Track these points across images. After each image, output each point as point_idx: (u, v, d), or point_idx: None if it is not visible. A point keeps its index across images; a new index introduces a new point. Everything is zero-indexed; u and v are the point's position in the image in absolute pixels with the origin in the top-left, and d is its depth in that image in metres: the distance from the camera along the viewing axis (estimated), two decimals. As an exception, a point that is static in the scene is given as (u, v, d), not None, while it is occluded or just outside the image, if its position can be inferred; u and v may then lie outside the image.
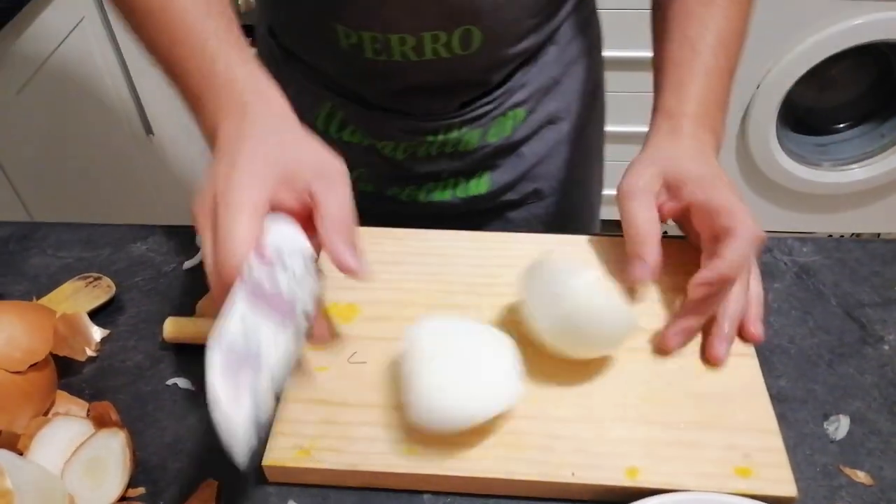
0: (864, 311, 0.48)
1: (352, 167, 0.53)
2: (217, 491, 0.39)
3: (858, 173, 1.34)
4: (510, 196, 0.62)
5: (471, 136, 0.57)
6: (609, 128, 1.34)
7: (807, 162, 1.35)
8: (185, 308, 0.49)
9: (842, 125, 1.39)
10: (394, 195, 0.61)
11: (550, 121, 0.60)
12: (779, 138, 1.29)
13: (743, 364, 0.43)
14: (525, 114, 0.58)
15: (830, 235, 1.55)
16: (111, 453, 0.40)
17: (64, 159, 1.01)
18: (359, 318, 0.46)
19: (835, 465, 0.40)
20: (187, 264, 0.53)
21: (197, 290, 0.50)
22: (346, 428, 0.40)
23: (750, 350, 0.44)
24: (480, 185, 0.61)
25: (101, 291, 0.50)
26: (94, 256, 0.54)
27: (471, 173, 0.60)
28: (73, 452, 0.39)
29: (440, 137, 0.57)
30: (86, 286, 0.50)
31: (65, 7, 0.97)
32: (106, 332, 0.48)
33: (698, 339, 0.45)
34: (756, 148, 1.30)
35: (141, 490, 0.40)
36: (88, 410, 0.43)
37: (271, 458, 0.39)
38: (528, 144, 0.60)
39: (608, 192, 1.55)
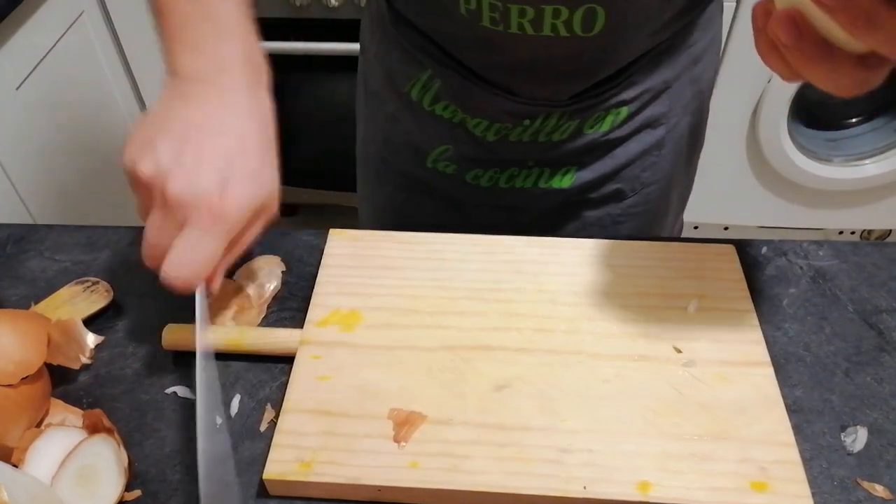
0: (882, 318, 0.47)
1: (437, 143, 0.51)
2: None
3: (871, 169, 1.32)
4: (592, 195, 0.60)
5: (567, 126, 0.55)
6: None
7: (818, 157, 1.33)
8: (185, 314, 0.48)
9: (854, 120, 1.36)
10: (474, 179, 0.59)
11: (650, 124, 0.57)
12: (790, 133, 1.27)
13: (758, 373, 0.42)
14: (627, 113, 0.55)
15: (841, 232, 1.53)
16: (102, 460, 0.39)
17: (64, 155, 1.00)
18: (361, 326, 0.45)
19: (852, 479, 0.39)
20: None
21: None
22: (349, 440, 0.39)
23: (765, 358, 0.43)
24: (564, 180, 0.58)
25: (98, 296, 0.49)
26: (93, 259, 0.53)
27: (557, 166, 0.58)
28: (61, 464, 0.38)
29: (536, 123, 0.54)
30: (83, 291, 0.49)
31: (64, 1, 0.96)
32: (101, 338, 0.47)
33: (712, 346, 0.43)
34: (766, 143, 1.29)
35: (138, 493, 0.39)
36: (83, 418, 0.42)
37: (271, 471, 0.38)
38: (623, 146, 0.57)
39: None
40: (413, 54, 0.55)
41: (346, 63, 1.09)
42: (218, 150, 0.38)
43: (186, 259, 0.37)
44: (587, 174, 0.58)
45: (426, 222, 0.60)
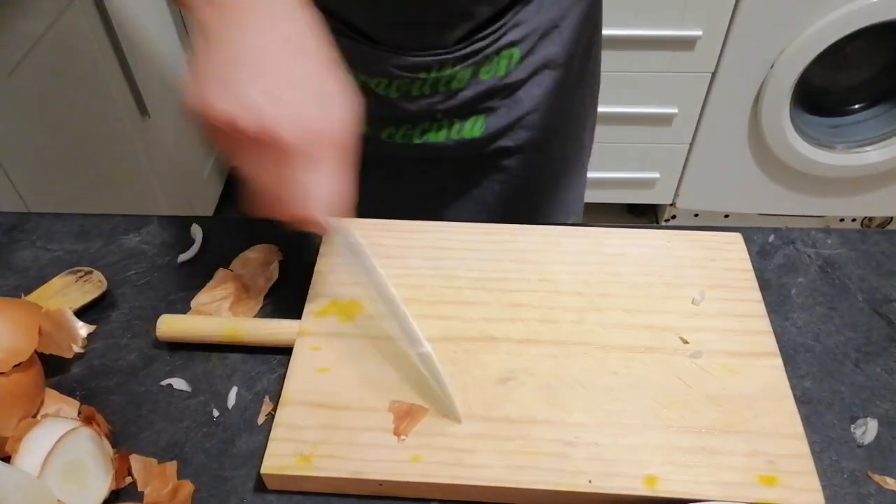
0: (892, 307, 0.46)
1: None
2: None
3: (873, 155, 1.31)
4: (505, 142, 0.61)
5: (463, 73, 0.56)
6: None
7: (820, 144, 1.32)
8: (180, 304, 0.47)
9: (856, 106, 1.35)
10: (389, 137, 0.60)
11: (546, 65, 0.58)
12: (792, 120, 1.26)
13: (766, 364, 0.41)
14: (520, 55, 0.56)
15: (842, 219, 1.53)
16: (87, 454, 0.38)
17: (58, 143, 0.99)
18: (361, 316, 0.44)
19: (862, 472, 0.38)
20: (182, 257, 0.51)
21: (192, 285, 0.48)
22: (349, 433, 0.38)
23: (774, 349, 0.42)
24: (475, 129, 0.59)
25: (92, 286, 0.48)
26: (85, 249, 0.52)
27: (465, 115, 0.59)
28: (44, 461, 0.37)
29: (433, 74, 0.55)
30: (76, 281, 0.48)
31: (55, -15, 0.94)
32: (92, 327, 0.45)
33: (719, 337, 0.42)
34: (769, 130, 1.27)
35: (129, 479, 0.38)
36: (79, 411, 0.42)
37: (269, 465, 0.37)
38: (524, 88, 0.58)
39: (598, 174, 1.51)
40: None
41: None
42: (299, 74, 0.35)
43: (334, 197, 0.36)
44: (496, 121, 0.59)
45: (360, 184, 0.62)
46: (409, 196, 0.64)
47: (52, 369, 0.43)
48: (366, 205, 0.63)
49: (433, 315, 0.44)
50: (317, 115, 0.35)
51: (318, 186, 0.36)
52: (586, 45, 0.61)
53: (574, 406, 0.39)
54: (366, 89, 0.57)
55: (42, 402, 0.42)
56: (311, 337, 0.43)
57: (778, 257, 0.50)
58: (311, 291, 0.45)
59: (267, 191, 0.37)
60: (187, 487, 0.37)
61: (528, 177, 0.63)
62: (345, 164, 0.36)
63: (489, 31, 0.54)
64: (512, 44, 0.55)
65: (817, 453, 0.39)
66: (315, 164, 0.35)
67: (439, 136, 0.59)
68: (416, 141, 0.59)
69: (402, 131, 0.59)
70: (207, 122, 0.35)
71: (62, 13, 0.98)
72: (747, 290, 0.45)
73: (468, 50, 0.54)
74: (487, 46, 0.55)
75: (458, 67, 0.55)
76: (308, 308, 0.44)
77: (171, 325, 0.44)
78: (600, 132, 1.43)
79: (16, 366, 0.39)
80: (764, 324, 0.43)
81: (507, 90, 0.57)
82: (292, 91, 0.35)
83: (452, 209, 0.64)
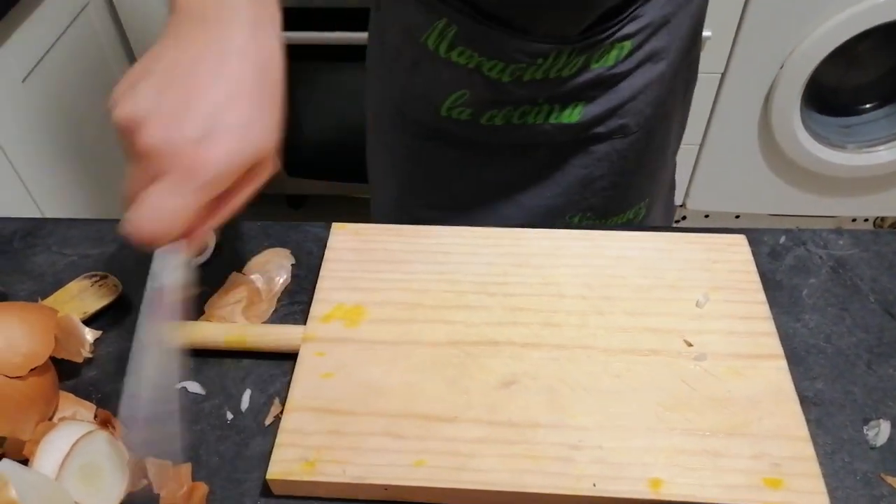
0: (903, 308, 0.46)
1: (453, 90, 0.55)
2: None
3: (884, 155, 1.30)
4: (599, 129, 0.61)
5: (576, 61, 0.56)
6: None
7: (831, 144, 1.31)
8: (194, 308, 0.48)
9: (867, 106, 1.34)
10: (489, 120, 0.60)
11: (651, 58, 0.59)
12: (802, 119, 1.25)
13: (771, 366, 0.41)
14: (631, 47, 0.57)
15: (854, 219, 1.51)
16: (103, 457, 0.39)
17: (71, 148, 1.00)
18: (365, 321, 0.44)
19: (875, 474, 0.38)
20: (196, 261, 0.51)
21: (206, 289, 0.49)
22: (353, 438, 0.38)
23: (778, 351, 0.42)
24: (573, 115, 0.59)
25: (107, 291, 0.49)
26: (101, 253, 0.52)
27: (566, 101, 0.59)
28: (61, 464, 0.38)
29: (549, 61, 0.56)
30: (92, 285, 0.49)
31: (69, -7, 0.95)
32: (98, 333, 0.46)
33: (723, 339, 0.43)
34: (779, 129, 1.27)
35: (145, 482, 0.39)
36: (95, 414, 0.42)
37: (275, 471, 0.37)
38: (628, 80, 0.59)
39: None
40: (428, 3, 0.56)
41: (354, 53, 1.08)
42: (204, 96, 0.34)
43: (150, 213, 0.34)
44: (594, 108, 0.59)
45: (443, 169, 0.62)
46: (498, 179, 0.63)
47: (68, 373, 0.44)
48: (457, 186, 0.64)
49: (437, 319, 0.44)
50: (189, 138, 0.33)
51: (149, 202, 0.34)
52: (690, 40, 0.62)
53: (577, 409, 0.39)
54: (478, 72, 0.57)
55: (57, 406, 0.42)
56: (315, 342, 0.43)
57: (789, 258, 0.49)
58: (315, 297, 0.46)
59: (123, 193, 0.36)
60: (202, 489, 0.38)
61: (614, 161, 0.63)
62: (191, 195, 0.34)
63: (612, 21, 0.55)
64: (627, 36, 0.56)
65: (829, 455, 0.39)
66: (159, 181, 0.34)
67: (537, 120, 0.60)
68: (515, 122, 0.60)
69: (503, 114, 0.59)
70: (113, 120, 0.35)
71: (75, 19, 1.00)
72: (751, 291, 0.45)
73: (587, 41, 0.55)
74: (605, 38, 0.55)
75: (573, 56, 0.56)
76: (313, 314, 0.45)
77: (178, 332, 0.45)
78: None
79: (32, 370, 0.40)
80: (768, 326, 0.43)
81: (611, 80, 0.58)
82: (184, 108, 0.34)
83: (534, 193, 0.64)
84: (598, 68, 0.57)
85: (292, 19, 1.15)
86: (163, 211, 0.34)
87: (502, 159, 0.62)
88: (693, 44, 0.63)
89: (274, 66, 0.37)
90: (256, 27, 0.36)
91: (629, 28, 0.56)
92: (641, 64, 0.58)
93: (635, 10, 0.55)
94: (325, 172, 1.41)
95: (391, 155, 0.68)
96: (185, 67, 0.35)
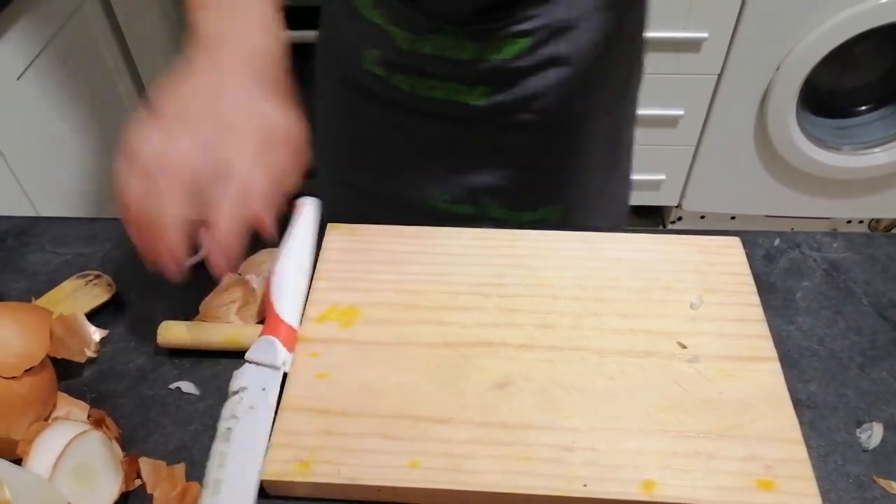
0: (896, 311, 0.46)
1: (370, 46, 0.60)
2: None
3: (880, 157, 1.31)
4: (504, 120, 0.62)
5: (468, 47, 0.58)
6: None
7: (827, 146, 1.31)
8: (188, 308, 0.48)
9: (863, 108, 1.35)
10: (397, 83, 0.62)
11: (553, 62, 0.59)
12: (798, 121, 1.26)
13: (764, 369, 0.41)
14: (529, 45, 0.58)
15: (849, 221, 1.52)
16: (97, 457, 0.39)
17: (66, 146, 1.00)
18: (359, 322, 0.44)
19: (868, 476, 0.38)
20: (190, 261, 0.51)
21: (200, 288, 0.49)
22: (347, 439, 0.38)
23: (772, 353, 0.42)
24: (478, 98, 0.60)
25: (101, 290, 0.48)
26: (94, 252, 0.52)
27: (470, 84, 0.60)
28: (54, 464, 0.38)
29: (438, 39, 0.58)
30: (85, 285, 0.49)
31: (65, -10, 0.95)
32: (105, 332, 0.46)
33: (717, 341, 0.43)
34: (775, 131, 1.27)
35: (139, 482, 0.39)
36: (89, 414, 0.42)
37: (269, 471, 0.37)
38: (532, 78, 0.60)
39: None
40: None
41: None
42: (228, 116, 0.40)
43: (227, 242, 0.40)
44: (501, 97, 0.60)
45: (367, 124, 0.66)
46: (417, 145, 0.65)
47: (63, 373, 0.44)
48: (379, 145, 0.66)
49: (431, 321, 0.44)
50: (243, 164, 0.39)
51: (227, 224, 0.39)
52: (614, 52, 0.62)
53: (571, 411, 0.39)
54: (386, 34, 0.59)
55: (54, 406, 0.42)
56: (310, 343, 0.43)
57: (783, 261, 0.50)
58: (310, 298, 0.46)
59: (152, 227, 0.40)
60: (195, 489, 0.38)
61: (519, 155, 0.64)
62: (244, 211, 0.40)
63: (501, 14, 0.56)
64: (522, 33, 0.57)
65: (822, 457, 0.39)
66: (222, 203, 0.39)
67: (441, 95, 0.61)
68: (421, 93, 0.61)
69: (409, 81, 0.61)
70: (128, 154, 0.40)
71: (70, 17, 0.99)
72: (745, 294, 0.45)
73: (476, 28, 0.56)
74: (497, 30, 0.56)
75: (462, 40, 0.57)
76: (307, 314, 0.45)
77: (171, 332, 0.45)
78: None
79: (27, 370, 0.40)
80: (761, 328, 0.43)
81: (514, 74, 0.59)
82: (222, 138, 0.39)
83: (447, 166, 0.65)
84: (496, 59, 0.58)
85: (308, 18, 1.14)
86: (234, 238, 0.40)
87: (419, 126, 0.64)
88: (617, 54, 0.62)
89: (281, 73, 0.43)
90: (272, 46, 0.43)
91: (524, 25, 0.56)
92: (545, 65, 0.59)
93: (530, 9, 0.56)
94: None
95: (326, 106, 0.71)
96: (209, 97, 0.40)
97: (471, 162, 0.64)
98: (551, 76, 0.59)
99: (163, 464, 0.39)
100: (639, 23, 0.64)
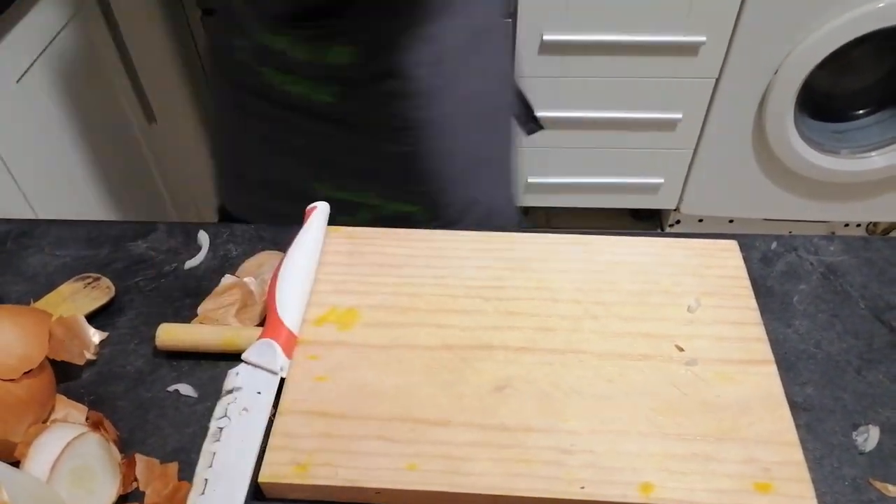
0: (894, 314, 0.46)
1: (240, 33, 0.62)
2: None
3: (878, 161, 1.31)
4: (358, 120, 0.64)
5: (303, 48, 0.59)
6: (569, 113, 1.30)
7: (825, 149, 1.31)
8: (187, 310, 0.48)
9: (861, 111, 1.35)
10: (267, 76, 0.64)
11: (390, 74, 0.60)
12: (796, 125, 1.26)
13: (761, 372, 0.42)
14: (359, 54, 0.59)
15: (847, 224, 1.52)
16: (95, 459, 0.39)
17: (66, 149, 1.00)
18: (358, 324, 0.44)
19: (864, 479, 0.39)
20: (189, 264, 0.51)
21: (199, 292, 0.49)
22: (345, 442, 0.38)
23: (769, 356, 0.42)
24: (326, 97, 0.62)
25: (100, 293, 0.49)
26: (93, 255, 0.52)
27: (318, 82, 0.62)
28: (53, 466, 0.38)
29: (267, 36, 0.60)
30: (84, 287, 0.49)
31: (64, -7, 0.95)
32: (104, 334, 0.46)
33: (715, 344, 0.43)
34: (773, 135, 1.27)
35: (136, 484, 0.39)
36: (87, 416, 0.42)
37: (267, 473, 0.37)
38: (373, 86, 0.61)
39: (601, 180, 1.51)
40: None
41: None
42: None
43: None
44: (350, 96, 0.62)
45: (259, 118, 0.67)
46: (293, 136, 0.67)
47: (61, 375, 0.44)
48: (254, 137, 0.68)
49: (431, 323, 0.44)
50: None
51: None
52: (458, 62, 0.63)
53: (570, 414, 0.39)
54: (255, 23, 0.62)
55: (53, 408, 0.42)
56: (308, 346, 0.43)
57: (780, 264, 0.50)
58: (309, 300, 0.46)
59: None
60: (187, 488, 0.38)
61: (371, 154, 0.65)
62: None
63: (324, 21, 0.58)
64: (349, 41, 0.58)
65: (819, 460, 0.39)
66: None
67: (295, 90, 0.63)
68: (279, 87, 0.63)
69: (268, 71, 0.63)
70: None
71: (70, 20, 0.99)
72: (742, 297, 0.46)
73: (303, 31, 0.59)
74: (323, 35, 0.58)
75: (296, 40, 0.59)
76: (306, 316, 0.45)
77: (170, 334, 0.45)
78: (603, 137, 1.44)
79: (26, 372, 0.40)
80: (759, 331, 0.44)
81: (352, 79, 0.60)
82: None
83: (315, 157, 0.67)
84: (333, 62, 0.59)
85: None
86: None
87: (294, 119, 0.65)
88: (458, 64, 0.63)
89: None
90: None
91: (351, 35, 0.58)
92: (382, 76, 0.60)
93: (352, 19, 0.57)
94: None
95: (216, 98, 0.73)
96: None
97: (341, 153, 0.66)
98: (389, 86, 0.60)
99: (156, 462, 0.39)
100: (491, 30, 0.65)
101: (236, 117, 0.70)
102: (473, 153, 0.68)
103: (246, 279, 0.49)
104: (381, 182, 0.66)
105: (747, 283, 0.46)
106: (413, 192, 0.67)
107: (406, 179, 0.66)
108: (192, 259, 0.52)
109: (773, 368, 0.42)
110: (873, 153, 1.31)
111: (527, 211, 1.60)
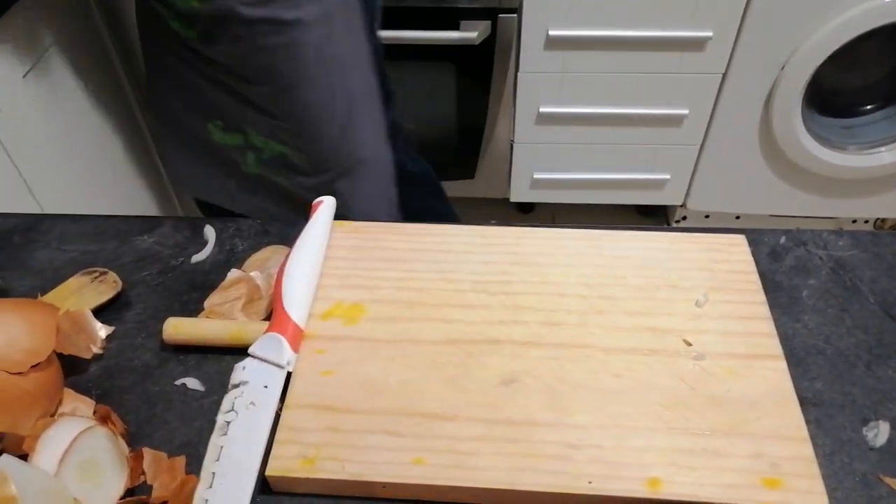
0: (903, 309, 0.46)
1: None
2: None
3: (886, 156, 1.30)
4: (222, 58, 0.68)
5: None
6: (575, 109, 1.29)
7: (832, 145, 1.30)
8: (193, 305, 0.48)
9: (868, 107, 1.34)
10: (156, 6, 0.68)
11: (232, 18, 0.63)
12: (803, 120, 1.25)
13: (770, 367, 0.41)
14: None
15: (854, 220, 1.51)
16: (103, 452, 0.39)
17: (71, 145, 1.00)
18: (364, 319, 0.44)
19: (874, 474, 0.38)
20: (195, 258, 0.51)
21: (205, 286, 0.49)
22: (352, 436, 0.38)
23: (777, 351, 0.42)
24: (193, 34, 0.65)
25: (107, 287, 0.49)
26: (100, 250, 0.52)
27: (186, 18, 0.65)
28: (60, 459, 0.38)
29: None
30: (91, 281, 0.49)
31: (70, -11, 0.95)
32: (111, 328, 0.46)
33: (722, 339, 0.43)
34: (780, 131, 1.27)
35: (143, 478, 0.39)
36: (95, 410, 0.42)
37: (274, 467, 0.37)
38: (216, 27, 0.64)
39: (608, 175, 1.50)
40: None
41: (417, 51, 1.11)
42: None
43: None
44: (204, 35, 0.66)
45: (168, 55, 0.70)
46: (187, 74, 0.70)
47: (69, 369, 0.44)
48: (165, 75, 0.73)
49: (437, 318, 0.44)
50: None
51: None
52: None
53: (576, 408, 0.39)
54: None
55: (61, 402, 0.42)
56: (315, 340, 0.43)
57: (789, 259, 0.50)
58: (315, 294, 0.46)
59: None
60: (194, 482, 0.38)
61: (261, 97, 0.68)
62: None
63: None
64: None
65: (829, 455, 0.39)
66: None
67: (176, 26, 0.66)
68: (174, 29, 0.66)
69: (165, 10, 0.65)
70: None
71: (75, 16, 1.00)
72: (751, 292, 0.45)
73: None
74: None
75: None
76: (312, 311, 0.45)
77: (177, 328, 0.45)
78: (609, 133, 1.43)
79: (34, 366, 0.40)
80: (767, 326, 0.43)
81: (203, 17, 0.64)
82: None
83: (210, 97, 0.71)
84: (185, 4, 0.62)
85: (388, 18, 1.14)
86: None
87: (184, 54, 0.68)
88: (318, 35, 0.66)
89: None
90: None
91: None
92: (223, 19, 0.62)
93: None
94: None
95: (144, 33, 0.75)
96: None
97: (219, 91, 0.69)
98: (235, 29, 0.63)
99: (164, 455, 0.40)
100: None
101: (159, 71, 0.73)
102: (337, 99, 0.71)
103: (252, 273, 0.49)
104: (255, 121, 0.69)
105: (756, 277, 0.46)
106: (288, 133, 0.70)
107: (275, 116, 0.69)
108: (199, 254, 0.52)
109: (782, 363, 0.41)
110: (881, 149, 1.30)
111: (532, 207, 1.59)
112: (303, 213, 0.50)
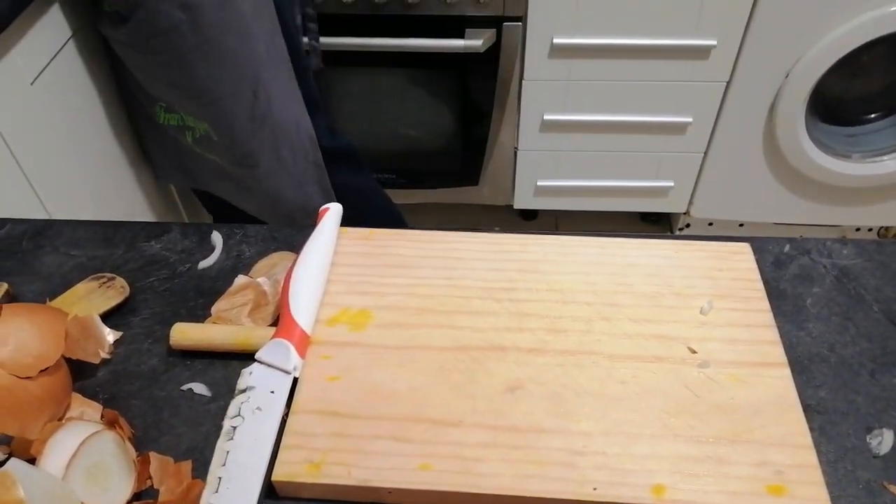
0: (907, 318, 0.46)
1: None
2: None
3: (889, 165, 1.30)
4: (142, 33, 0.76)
5: None
6: (579, 116, 1.30)
7: (836, 153, 1.31)
8: (201, 310, 0.48)
9: (872, 115, 1.34)
10: None
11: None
12: (807, 129, 1.26)
13: (774, 374, 0.41)
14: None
15: (858, 229, 1.51)
16: (110, 457, 0.39)
17: (80, 150, 1.01)
18: (371, 325, 0.44)
19: (878, 482, 0.38)
20: (202, 264, 0.52)
21: (213, 292, 0.49)
22: (358, 441, 0.39)
23: (782, 359, 0.42)
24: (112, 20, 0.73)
25: (114, 292, 0.49)
26: (108, 255, 0.53)
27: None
28: (68, 463, 0.38)
29: None
30: (99, 287, 0.49)
31: (79, -3, 0.96)
32: (119, 334, 0.47)
33: (727, 347, 0.43)
34: (784, 139, 1.27)
35: (151, 482, 0.39)
36: (102, 414, 0.43)
37: (281, 472, 0.38)
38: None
39: (611, 183, 1.50)
40: None
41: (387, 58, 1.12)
42: None
43: None
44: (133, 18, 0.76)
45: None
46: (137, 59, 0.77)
47: (77, 373, 0.44)
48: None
49: (444, 324, 0.44)
50: None
51: None
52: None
53: (582, 415, 0.39)
54: None
55: (69, 406, 0.43)
56: (321, 346, 0.43)
57: (793, 267, 0.50)
58: (322, 300, 0.46)
59: None
60: (200, 486, 0.38)
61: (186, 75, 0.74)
62: None
63: None
64: None
65: (833, 463, 0.39)
66: None
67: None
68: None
69: None
70: None
71: (84, 22, 1.00)
72: (755, 299, 0.45)
73: None
74: None
75: None
76: (319, 317, 0.45)
77: (183, 334, 0.45)
78: (613, 140, 1.43)
79: (43, 370, 0.40)
80: (772, 334, 0.43)
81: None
82: None
83: (154, 78, 0.78)
84: None
85: (337, 26, 1.15)
86: None
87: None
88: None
89: None
90: None
91: None
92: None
93: None
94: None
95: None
96: None
97: (150, 75, 0.73)
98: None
99: (170, 460, 0.40)
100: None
101: (120, 62, 0.78)
102: (244, 65, 0.74)
103: (259, 279, 0.49)
104: (178, 99, 0.73)
105: (760, 285, 0.46)
106: (204, 108, 0.74)
107: (190, 91, 0.73)
108: (206, 259, 0.52)
109: (787, 371, 0.42)
110: (885, 157, 1.30)
111: (535, 214, 1.59)
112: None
